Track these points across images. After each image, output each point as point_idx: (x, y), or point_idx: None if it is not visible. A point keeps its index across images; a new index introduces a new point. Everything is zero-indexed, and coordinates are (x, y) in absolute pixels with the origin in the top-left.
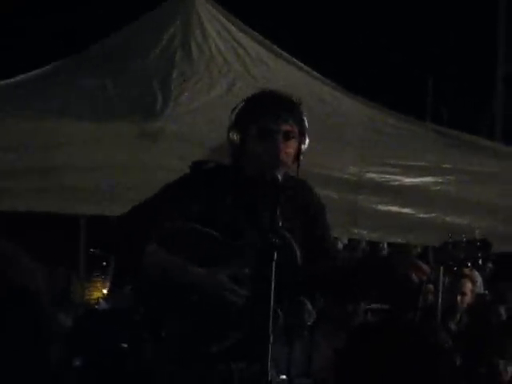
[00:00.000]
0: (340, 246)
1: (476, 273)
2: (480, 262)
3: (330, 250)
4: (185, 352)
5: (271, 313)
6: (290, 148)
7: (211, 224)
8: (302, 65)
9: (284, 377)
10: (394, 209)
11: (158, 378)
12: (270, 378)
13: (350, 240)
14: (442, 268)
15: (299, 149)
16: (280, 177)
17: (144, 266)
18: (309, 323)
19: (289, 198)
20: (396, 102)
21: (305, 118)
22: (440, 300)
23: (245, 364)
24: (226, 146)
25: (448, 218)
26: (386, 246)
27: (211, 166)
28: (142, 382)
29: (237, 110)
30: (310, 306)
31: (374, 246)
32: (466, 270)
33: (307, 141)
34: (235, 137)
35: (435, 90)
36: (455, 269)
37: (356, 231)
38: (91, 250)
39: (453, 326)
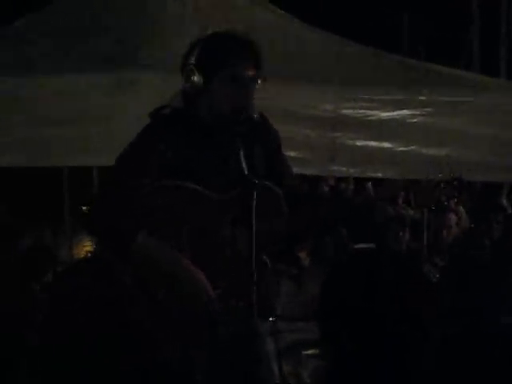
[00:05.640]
0: (325, 188)
1: (460, 207)
2: (456, 200)
3: (291, 187)
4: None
5: (253, 254)
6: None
7: (189, 175)
8: (270, 5)
9: (271, 319)
10: (372, 143)
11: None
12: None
13: (337, 184)
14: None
15: None
16: (256, 116)
17: (132, 255)
18: (295, 270)
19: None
20: (371, 40)
21: (263, 62)
22: (425, 237)
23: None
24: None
25: (426, 150)
26: (370, 185)
27: (168, 111)
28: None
29: (197, 53)
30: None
31: (360, 187)
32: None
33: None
34: (198, 79)
35: (411, 28)
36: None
37: (335, 168)
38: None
39: (439, 262)
